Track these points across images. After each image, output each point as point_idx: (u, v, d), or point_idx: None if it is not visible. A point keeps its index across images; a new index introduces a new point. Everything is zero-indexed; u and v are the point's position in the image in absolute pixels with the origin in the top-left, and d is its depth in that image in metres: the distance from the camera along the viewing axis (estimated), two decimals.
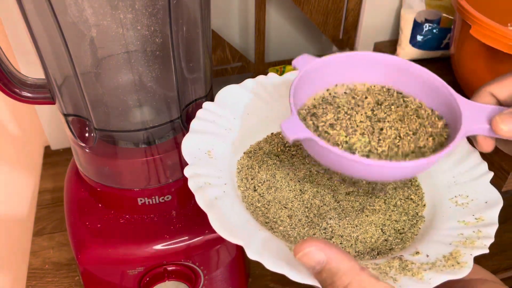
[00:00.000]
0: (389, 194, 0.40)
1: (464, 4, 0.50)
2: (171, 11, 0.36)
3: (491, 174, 0.38)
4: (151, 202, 0.45)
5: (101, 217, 0.46)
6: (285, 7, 0.70)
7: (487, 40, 0.48)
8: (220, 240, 0.46)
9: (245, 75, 0.70)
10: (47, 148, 0.73)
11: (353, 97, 0.36)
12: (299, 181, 0.39)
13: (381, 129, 0.33)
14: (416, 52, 0.68)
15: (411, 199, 0.40)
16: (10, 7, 0.56)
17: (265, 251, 0.29)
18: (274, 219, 0.36)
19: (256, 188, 0.38)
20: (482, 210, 0.35)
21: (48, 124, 0.69)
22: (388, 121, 0.34)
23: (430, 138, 0.33)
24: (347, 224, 0.36)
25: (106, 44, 0.38)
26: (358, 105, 0.35)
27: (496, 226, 0.34)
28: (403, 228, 0.37)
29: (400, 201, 0.39)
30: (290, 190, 0.38)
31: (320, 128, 0.33)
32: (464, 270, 0.30)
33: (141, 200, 0.45)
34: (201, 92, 0.45)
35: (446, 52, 0.68)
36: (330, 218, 0.36)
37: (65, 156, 0.71)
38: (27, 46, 0.59)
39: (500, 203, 0.36)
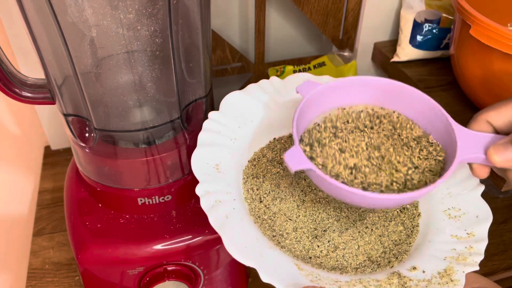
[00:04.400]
0: None
1: (464, 4, 0.50)
2: (171, 11, 0.36)
3: (482, 187, 0.40)
4: (151, 202, 0.46)
5: (101, 217, 0.46)
6: (285, 7, 0.70)
7: (487, 40, 0.48)
8: (220, 240, 0.45)
9: (245, 75, 0.70)
10: (47, 148, 0.73)
11: (349, 122, 0.37)
12: (302, 190, 0.40)
13: (379, 159, 0.35)
14: (416, 52, 0.68)
15: (407, 208, 0.41)
16: (10, 7, 0.56)
17: (275, 273, 0.31)
18: (280, 232, 0.37)
19: (262, 199, 0.38)
20: (473, 225, 0.37)
21: (48, 124, 0.69)
22: (384, 150, 0.35)
23: (426, 171, 0.34)
24: (349, 236, 0.38)
25: (106, 44, 0.38)
26: (354, 131, 0.37)
27: (485, 242, 0.36)
28: (399, 239, 0.38)
29: (397, 211, 0.41)
30: (294, 201, 0.39)
31: (321, 161, 0.34)
32: (457, 287, 0.32)
33: (141, 200, 0.45)
34: (201, 92, 0.45)
35: (446, 52, 0.68)
36: (333, 231, 0.38)
37: (65, 156, 0.71)
38: (27, 46, 0.59)
39: (489, 219, 0.37)
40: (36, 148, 0.72)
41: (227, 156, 0.39)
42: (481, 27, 0.48)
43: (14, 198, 0.68)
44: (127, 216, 0.46)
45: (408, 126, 0.37)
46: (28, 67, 0.61)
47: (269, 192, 0.39)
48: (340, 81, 0.36)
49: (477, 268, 0.34)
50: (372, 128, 0.37)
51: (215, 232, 0.45)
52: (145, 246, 0.44)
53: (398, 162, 0.34)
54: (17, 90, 0.43)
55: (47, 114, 0.68)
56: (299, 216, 0.38)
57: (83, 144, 0.44)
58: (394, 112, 0.37)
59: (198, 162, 0.36)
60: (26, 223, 0.65)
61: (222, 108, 0.41)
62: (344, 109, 0.38)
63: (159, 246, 0.44)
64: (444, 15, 0.66)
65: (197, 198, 0.48)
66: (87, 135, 0.43)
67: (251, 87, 0.43)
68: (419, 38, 0.67)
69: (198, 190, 0.34)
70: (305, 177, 0.41)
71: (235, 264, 0.49)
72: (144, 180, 0.44)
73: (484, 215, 0.38)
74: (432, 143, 0.36)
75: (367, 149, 0.35)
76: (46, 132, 0.70)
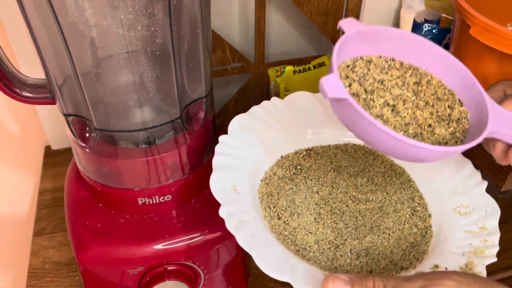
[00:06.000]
0: (398, 207, 0.42)
1: (464, 4, 0.50)
2: (171, 11, 0.36)
3: (485, 183, 0.42)
4: (151, 202, 0.46)
5: (101, 217, 0.46)
6: (285, 7, 0.70)
7: (487, 40, 0.48)
8: (220, 240, 0.46)
9: (245, 75, 0.70)
10: (47, 148, 0.73)
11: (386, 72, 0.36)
12: (316, 204, 0.42)
13: (412, 107, 0.34)
14: None
15: (417, 210, 0.42)
16: (10, 7, 0.56)
17: (310, 285, 0.32)
18: (303, 246, 0.38)
19: (280, 216, 0.40)
20: (483, 220, 0.39)
21: (48, 124, 0.69)
22: (419, 100, 0.35)
23: (449, 130, 0.34)
24: (368, 243, 0.39)
25: (106, 44, 0.38)
26: (391, 81, 0.36)
27: (498, 235, 0.38)
28: (415, 240, 0.40)
29: (409, 214, 0.42)
30: (310, 214, 0.41)
31: (359, 91, 0.33)
32: None
33: (141, 200, 0.45)
34: (201, 92, 0.45)
35: None
36: (353, 239, 0.39)
37: (65, 156, 0.71)
38: (27, 46, 0.59)
39: (498, 212, 0.39)
40: (37, 148, 0.72)
41: (242, 177, 0.40)
42: (481, 27, 0.48)
43: (15, 198, 0.68)
44: (127, 216, 0.46)
45: (446, 94, 0.36)
46: (28, 67, 0.61)
47: (286, 208, 0.41)
48: (386, 29, 0.36)
49: (495, 259, 0.35)
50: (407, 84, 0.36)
51: (215, 232, 0.45)
52: (145, 246, 0.44)
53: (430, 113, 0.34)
54: (18, 90, 0.43)
55: (47, 114, 0.68)
56: (318, 228, 0.40)
57: (83, 144, 0.44)
58: (436, 78, 0.37)
59: (217, 185, 0.38)
60: (26, 223, 0.65)
61: (230, 131, 0.43)
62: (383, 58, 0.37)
63: (159, 246, 0.44)
64: (443, 15, 0.66)
65: (197, 198, 0.48)
66: (87, 135, 0.43)
67: (254, 109, 0.46)
68: None
69: (222, 213, 0.36)
70: (318, 190, 0.43)
71: (235, 264, 0.49)
72: (144, 180, 0.44)
73: (492, 209, 0.39)
74: (461, 113, 0.35)
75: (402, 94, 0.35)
76: (46, 132, 0.70)
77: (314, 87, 0.69)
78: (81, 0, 0.34)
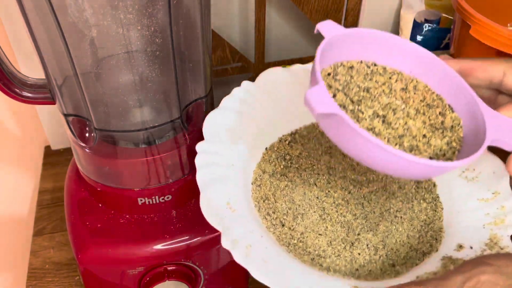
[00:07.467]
0: (401, 182, 0.39)
1: (464, 4, 0.50)
2: (171, 11, 0.36)
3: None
4: (151, 202, 0.46)
5: (101, 217, 0.46)
6: (285, 7, 0.70)
7: (487, 40, 0.48)
8: (220, 239, 0.46)
9: (245, 75, 0.70)
10: (47, 148, 0.73)
11: (373, 79, 0.34)
12: (317, 197, 0.38)
13: (404, 122, 0.31)
14: None
15: (421, 181, 0.39)
16: (10, 7, 0.56)
17: None
18: (317, 252, 0.35)
19: (283, 222, 0.36)
20: (494, 183, 0.36)
21: (48, 124, 0.69)
22: (409, 116, 0.32)
23: (445, 140, 0.31)
24: (383, 233, 0.36)
25: (106, 44, 0.38)
26: (379, 88, 0.33)
27: None
28: (428, 217, 0.37)
29: (414, 188, 0.39)
30: (314, 212, 0.37)
31: (346, 104, 0.30)
32: None
33: (141, 200, 0.45)
34: (201, 92, 0.45)
35: (446, 52, 0.68)
36: (367, 231, 0.36)
37: (65, 156, 0.71)
38: (27, 46, 0.59)
39: (506, 172, 0.36)
40: (36, 148, 0.72)
41: (233, 187, 0.36)
42: (481, 27, 0.48)
43: (15, 198, 0.68)
44: (127, 216, 0.46)
45: (436, 103, 0.33)
46: (28, 67, 0.61)
47: (287, 212, 0.37)
48: (367, 31, 0.33)
49: None
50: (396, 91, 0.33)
51: (215, 232, 0.45)
52: (145, 246, 0.44)
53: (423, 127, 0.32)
54: (18, 90, 0.43)
55: (47, 114, 0.68)
56: (327, 227, 0.36)
57: (83, 144, 0.44)
58: (426, 86, 0.34)
59: (209, 209, 0.33)
60: (26, 223, 0.65)
61: (206, 134, 0.38)
62: (369, 63, 0.34)
63: (159, 246, 0.44)
64: (444, 15, 0.66)
65: (197, 198, 0.48)
66: (87, 135, 0.43)
67: (226, 101, 0.40)
68: (419, 38, 0.67)
69: (225, 244, 0.32)
70: (315, 181, 0.39)
71: (235, 264, 0.49)
72: (144, 180, 0.44)
73: (499, 170, 0.36)
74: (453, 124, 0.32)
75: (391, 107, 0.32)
76: (46, 132, 0.70)
77: None
78: (81, 0, 0.34)
